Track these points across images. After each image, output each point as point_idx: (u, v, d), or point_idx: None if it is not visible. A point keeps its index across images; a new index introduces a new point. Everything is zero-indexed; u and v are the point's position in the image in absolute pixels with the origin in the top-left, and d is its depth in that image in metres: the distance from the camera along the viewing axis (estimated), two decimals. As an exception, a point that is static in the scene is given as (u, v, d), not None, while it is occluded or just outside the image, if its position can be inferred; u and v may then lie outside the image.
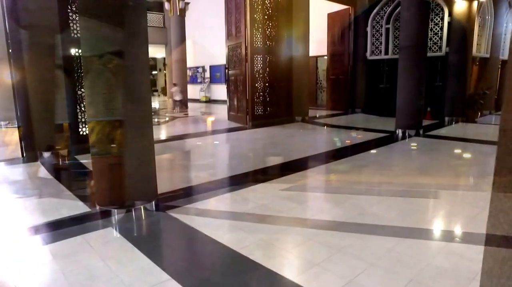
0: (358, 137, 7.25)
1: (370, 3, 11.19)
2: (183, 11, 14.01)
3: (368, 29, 11.17)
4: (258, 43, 8.83)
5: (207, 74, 18.49)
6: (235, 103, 9.45)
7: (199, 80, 18.95)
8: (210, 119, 11.32)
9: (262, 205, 3.46)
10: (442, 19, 9.76)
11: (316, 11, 11.75)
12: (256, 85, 8.87)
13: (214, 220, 3.15)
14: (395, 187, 4.05)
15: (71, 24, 5.49)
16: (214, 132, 8.37)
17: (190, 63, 17.11)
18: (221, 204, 3.61)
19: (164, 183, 4.02)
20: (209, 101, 17.92)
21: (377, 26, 11.04)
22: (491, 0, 10.86)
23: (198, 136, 7.64)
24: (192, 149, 6.45)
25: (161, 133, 8.31)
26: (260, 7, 8.75)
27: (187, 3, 14.04)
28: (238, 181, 4.35)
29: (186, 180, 4.41)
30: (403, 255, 2.48)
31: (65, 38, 5.43)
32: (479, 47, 10.58)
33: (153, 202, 3.34)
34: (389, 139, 7.05)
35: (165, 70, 22.06)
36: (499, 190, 0.81)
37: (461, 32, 9.54)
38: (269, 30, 9.03)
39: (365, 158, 5.47)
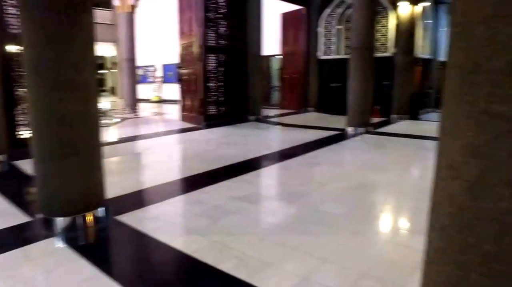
0: (311, 135, 7.41)
1: (322, 4, 11.50)
2: (133, 8, 13.54)
3: (321, 29, 11.47)
4: (212, 41, 8.75)
5: (159, 73, 18.04)
6: (188, 103, 9.30)
7: (150, 80, 18.43)
8: (162, 119, 11.06)
9: (216, 207, 3.42)
10: (389, 21, 10.24)
11: (269, 11, 11.88)
12: (210, 84, 8.79)
13: (167, 224, 3.07)
14: (347, 184, 4.18)
15: (7, 18, 5.10)
16: (167, 133, 8.17)
17: (141, 61, 16.59)
18: (174, 207, 3.52)
19: (114, 187, 3.84)
20: (161, 101, 17.49)
21: (329, 27, 11.36)
22: (432, 6, 11.58)
23: (150, 137, 7.41)
24: (143, 151, 6.26)
25: (111, 135, 7.98)
26: (213, 5, 8.68)
27: (137, 0, 13.59)
28: (191, 183, 4.27)
29: (137, 184, 4.26)
30: (354, 250, 2.55)
31: (1, 33, 5.04)
32: (422, 49, 11.24)
33: (101, 208, 3.18)
34: (341, 136, 7.28)
35: (115, 69, 21.23)
36: (438, 184, 0.84)
37: (406, 34, 10.07)
38: (222, 28, 8.98)
39: (318, 155, 5.60)
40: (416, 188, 4.12)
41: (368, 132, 7.55)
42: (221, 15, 8.90)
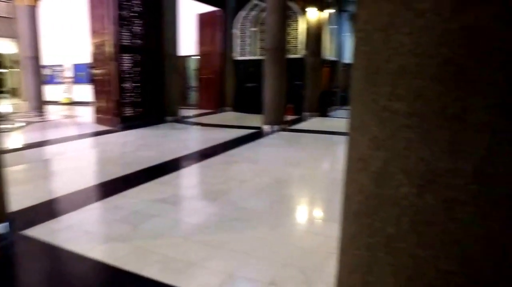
0: (229, 134, 7.46)
1: (237, 6, 11.63)
2: (36, 1, 12.20)
3: (236, 31, 11.60)
4: (126, 41, 8.31)
5: (69, 74, 16.59)
6: (103, 104, 8.71)
7: (59, 80, 16.86)
8: (74, 122, 10.20)
9: (136, 211, 3.26)
10: (299, 25, 10.75)
11: (185, 11, 11.66)
12: (125, 85, 8.34)
13: (82, 233, 2.83)
14: (265, 179, 4.29)
15: None
16: (79, 136, 7.52)
17: (47, 60, 15.06)
18: (90, 215, 3.27)
19: (20, 199, 3.44)
20: (73, 103, 16.11)
21: (244, 29, 11.55)
22: (336, 13, 12.45)
23: (60, 142, 6.76)
24: (53, 157, 5.68)
25: (14, 140, 7.12)
26: (127, 3, 8.24)
27: (40, -8, 12.27)
28: (108, 188, 4.01)
29: (47, 193, 3.85)
30: (275, 242, 2.64)
31: None
32: (329, 52, 12.03)
33: (3, 224, 2.81)
34: (258, 134, 7.46)
35: (16, 68, 18.96)
36: (349, 176, 0.90)
37: (315, 38, 10.68)
38: (137, 28, 8.57)
39: (237, 154, 5.67)
40: (329, 180, 4.40)
41: (283, 130, 7.85)
42: (136, 14, 8.49)
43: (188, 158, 5.47)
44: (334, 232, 2.77)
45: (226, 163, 5.06)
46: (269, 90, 7.89)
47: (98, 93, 8.91)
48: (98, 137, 7.37)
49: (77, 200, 3.59)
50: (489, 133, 0.69)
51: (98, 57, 8.67)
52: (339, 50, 13.30)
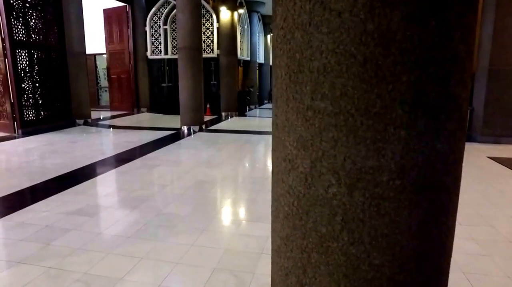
0: (146, 136, 7.11)
1: (147, 3, 11.10)
2: None
3: (147, 28, 11.08)
4: (21, 35, 7.36)
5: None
6: (-5, 107, 7.63)
7: None
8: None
9: (47, 227, 2.91)
10: (212, 24, 10.67)
11: (90, 6, 10.79)
12: (24, 85, 7.41)
13: (-23, 257, 2.43)
14: (187, 182, 4.17)
15: None
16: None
17: None
18: (-14, 234, 2.82)
19: None
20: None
21: (156, 26, 11.08)
22: (246, 13, 12.63)
23: None
24: None
25: None
26: (18, -8, 7.29)
27: None
28: (10, 203, 3.50)
29: None
30: (203, 247, 2.56)
31: None
32: (241, 51, 12.16)
33: None
34: (176, 136, 7.23)
35: None
36: (277, 177, 0.88)
37: (228, 37, 10.70)
38: (34, 21, 7.65)
39: (156, 157, 5.41)
40: (251, 179, 4.42)
41: (201, 130, 7.73)
42: (30, 5, 7.56)
43: (103, 164, 5.05)
44: (261, 232, 2.80)
45: (145, 167, 4.79)
46: (185, 90, 7.68)
47: (-13, 95, 7.76)
48: (-9, 145, 6.42)
49: (-34, 220, 3.07)
50: (405, 129, 0.72)
51: (-17, 53, 7.54)
52: (253, 50, 13.54)
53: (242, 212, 3.33)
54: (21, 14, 7.35)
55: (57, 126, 7.89)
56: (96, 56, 12.60)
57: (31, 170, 4.68)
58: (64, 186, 3.98)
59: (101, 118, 9.90)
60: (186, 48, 7.64)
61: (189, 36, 7.64)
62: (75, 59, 8.49)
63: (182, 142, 6.64)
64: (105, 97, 12.89)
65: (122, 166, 4.86)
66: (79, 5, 8.62)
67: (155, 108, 11.25)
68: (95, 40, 11.81)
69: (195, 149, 6.05)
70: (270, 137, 7.38)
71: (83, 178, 4.42)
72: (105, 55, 12.03)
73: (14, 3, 7.20)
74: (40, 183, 4.10)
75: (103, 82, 12.92)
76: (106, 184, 4.12)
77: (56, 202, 3.48)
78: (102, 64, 12.74)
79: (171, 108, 10.73)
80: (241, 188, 4.04)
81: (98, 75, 12.96)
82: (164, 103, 11.05)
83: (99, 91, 13.07)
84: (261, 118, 10.87)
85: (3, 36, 7.03)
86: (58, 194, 3.71)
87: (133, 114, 10.94)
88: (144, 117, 10.39)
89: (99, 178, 4.36)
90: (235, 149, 6.27)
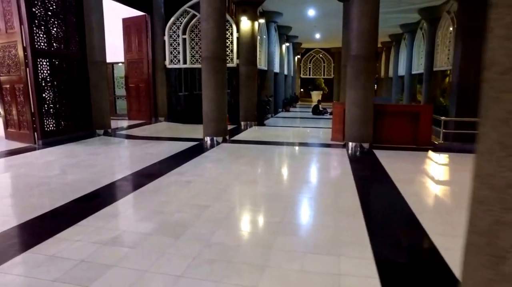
0: (168, 148, 6.67)
1: (166, 12, 10.76)
2: None
3: (166, 38, 10.71)
4: (42, 44, 6.98)
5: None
6: (15, 117, 7.23)
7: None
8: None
9: (83, 262, 2.47)
10: (232, 34, 10.29)
11: (109, 15, 10.44)
12: (44, 95, 7.01)
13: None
14: (228, 204, 3.72)
15: None
16: (-15, 156, 6.07)
17: None
18: (16, 275, 2.35)
19: None
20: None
21: (174, 36, 10.72)
22: (264, 23, 12.28)
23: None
24: None
25: None
26: None
27: None
28: (36, 230, 3.07)
29: None
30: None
31: None
32: (259, 61, 11.77)
33: None
34: (200, 147, 6.80)
35: None
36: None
37: (248, 47, 10.32)
38: (55, 30, 7.28)
39: (184, 172, 4.96)
40: (298, 199, 3.96)
41: (225, 141, 7.29)
42: (52, 13, 7.19)
43: (130, 180, 4.61)
44: (329, 267, 2.30)
45: (177, 184, 4.34)
46: (208, 100, 7.26)
47: (7, 103, 7.38)
48: (13, 157, 5.97)
49: (-8, 252, 2.63)
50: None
51: (4, 61, 7.17)
52: (270, 60, 13.16)
53: (300, 242, 2.86)
54: (43, 23, 6.99)
55: (77, 137, 7.49)
56: (114, 65, 12.23)
57: (55, 187, 4.25)
58: (93, 207, 3.55)
59: (120, 127, 9.48)
60: (209, 57, 7.23)
61: (213, 45, 7.24)
62: (96, 68, 8.11)
63: (208, 154, 6.19)
64: (121, 106, 12.50)
65: (152, 183, 4.40)
66: (100, 14, 8.26)
67: (172, 117, 10.85)
68: (112, 49, 11.46)
69: (224, 163, 5.60)
70: (300, 148, 7.01)
71: (112, 197, 3.99)
72: (121, 64, 11.66)
73: (37, 12, 6.83)
74: (66, 203, 3.67)
75: (120, 90, 12.54)
76: (138, 205, 3.67)
77: (88, 228, 3.03)
78: (119, 72, 12.37)
79: (189, 117, 10.33)
80: (290, 209, 3.58)
81: (115, 83, 12.59)
82: (182, 112, 10.66)
83: (116, 100, 12.70)
84: (282, 128, 10.40)
85: (24, 45, 6.66)
86: (88, 217, 3.27)
87: (151, 123, 10.51)
88: (163, 127, 9.96)
89: (129, 197, 3.91)
90: (267, 163, 5.83)
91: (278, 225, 3.19)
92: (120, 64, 11.93)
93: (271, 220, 3.31)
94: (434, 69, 14.04)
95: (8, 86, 7.23)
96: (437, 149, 6.67)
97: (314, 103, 21.55)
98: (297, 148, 7.08)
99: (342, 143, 7.12)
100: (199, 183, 4.41)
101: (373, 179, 4.92)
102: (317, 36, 19.90)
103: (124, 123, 10.47)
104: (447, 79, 16.20)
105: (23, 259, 2.53)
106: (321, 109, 15.09)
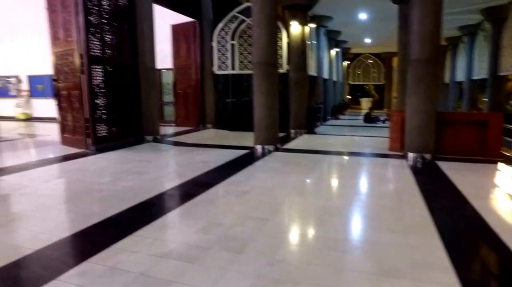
0: (219, 156, 6.59)
1: (215, 18, 10.89)
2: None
3: (214, 43, 10.82)
4: (96, 51, 7.25)
5: (25, 86, 14.92)
6: (70, 123, 7.54)
7: (12, 93, 15.11)
8: (36, 143, 8.86)
9: (142, 275, 2.36)
10: (282, 39, 10.16)
11: (158, 22, 10.74)
12: (97, 101, 7.25)
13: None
14: (289, 217, 3.52)
15: None
16: (44, 162, 6.28)
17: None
18: (79, 281, 2.29)
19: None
20: (30, 119, 14.45)
21: (223, 42, 10.79)
22: (314, 28, 12.06)
23: (20, 170, 5.56)
24: (12, 192, 4.42)
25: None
26: (96, 8, 7.21)
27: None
28: (93, 239, 3.04)
29: (8, 251, 2.79)
30: None
31: None
32: (309, 67, 11.54)
33: None
34: (251, 156, 6.66)
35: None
36: None
37: (298, 53, 10.14)
38: (109, 37, 7.54)
39: (239, 182, 4.81)
40: (362, 212, 3.66)
41: (276, 149, 7.10)
42: (106, 21, 7.46)
43: (183, 189, 4.55)
44: None
45: (232, 195, 4.20)
46: (260, 107, 7.12)
47: (64, 109, 7.72)
48: (68, 162, 6.18)
49: (52, 262, 2.61)
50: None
51: (62, 68, 7.52)
52: (318, 65, 12.89)
53: (371, 262, 2.57)
54: (98, 31, 7.26)
55: (127, 143, 7.66)
56: (162, 71, 12.56)
57: (108, 195, 4.27)
58: (148, 217, 3.48)
59: (168, 134, 9.61)
60: (261, 63, 7.12)
61: (265, 50, 7.12)
62: (146, 74, 8.30)
63: (260, 163, 6.03)
64: (168, 112, 12.78)
65: (206, 192, 4.30)
66: (151, 21, 8.47)
67: (220, 124, 10.88)
68: (160, 55, 11.76)
69: (279, 173, 5.40)
70: (356, 158, 6.65)
71: (167, 207, 3.93)
72: (167, 70, 11.93)
73: (92, 20, 7.11)
74: (121, 212, 3.63)
75: (167, 97, 12.84)
76: (194, 216, 3.56)
77: (145, 239, 2.95)
78: (167, 78, 12.68)
79: (236, 124, 10.30)
80: (354, 225, 3.30)
81: (163, 89, 12.91)
82: (230, 119, 10.66)
83: (163, 106, 13.01)
84: (334, 136, 10.05)
85: (81, 53, 6.93)
86: (144, 228, 3.19)
87: (198, 130, 10.59)
88: (211, 134, 10.00)
89: (184, 207, 3.81)
90: (323, 173, 5.57)
91: (344, 243, 2.93)
92: (167, 70, 12.21)
93: (336, 236, 3.05)
94: (499, 73, 13.04)
95: (65, 92, 7.57)
96: (509, 161, 6.06)
97: (363, 111, 20.89)
98: (352, 158, 6.73)
99: (401, 153, 6.68)
100: (255, 194, 4.24)
101: (442, 193, 4.49)
102: (368, 40, 19.33)
103: (172, 129, 10.63)
104: (508, 83, 15.01)
105: (83, 269, 2.47)
106: (373, 116, 14.52)
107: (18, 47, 14.21)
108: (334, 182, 5.14)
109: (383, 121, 14.48)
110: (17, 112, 14.56)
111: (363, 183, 5.07)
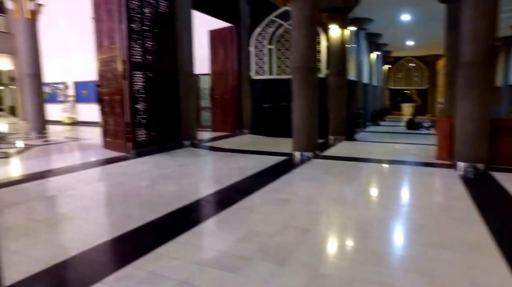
0: (256, 162, 6.56)
1: (252, 23, 10.95)
2: (34, 14, 11.41)
3: (251, 48, 10.87)
4: (138, 57, 7.49)
5: (71, 92, 15.77)
6: (112, 127, 7.83)
7: (61, 99, 16.01)
8: (80, 146, 9.28)
9: (183, 283, 2.35)
10: (320, 43, 10.03)
11: (196, 27, 10.97)
12: (138, 106, 7.48)
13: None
14: (333, 228, 3.41)
15: None
16: (88, 165, 6.56)
17: (48, 78, 14.21)
18: (122, 285, 2.34)
19: (19, 262, 2.55)
20: (76, 123, 15.22)
21: (260, 46, 10.82)
22: (354, 31, 11.82)
23: (65, 172, 5.82)
24: (57, 194, 4.66)
25: (12, 169, 6.21)
26: (138, 15, 7.46)
27: (40, 4, 11.47)
28: (133, 243, 3.08)
29: (52, 253, 2.89)
30: None
31: None
32: (349, 71, 11.30)
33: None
34: (289, 163, 6.57)
35: (13, 85, 18.15)
36: None
37: (337, 57, 9.96)
38: (149, 43, 7.77)
39: (278, 189, 4.75)
40: (408, 225, 3.48)
41: (316, 157, 6.97)
42: (147, 28, 7.70)
43: (221, 195, 4.55)
44: None
45: (272, 203, 4.14)
46: (299, 113, 7.03)
47: (106, 114, 8.05)
48: (109, 165, 6.41)
49: (95, 265, 2.67)
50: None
51: (106, 74, 7.85)
52: (358, 70, 12.61)
53: (429, 283, 2.42)
54: (140, 37, 7.50)
55: (166, 147, 7.82)
56: (199, 76, 12.77)
57: (148, 199, 4.35)
58: (187, 222, 3.50)
59: (205, 139, 9.73)
60: (301, 67, 7.04)
61: (304, 54, 7.04)
62: (185, 79, 8.47)
63: (300, 171, 5.93)
64: (204, 117, 12.95)
65: (245, 199, 4.27)
66: (190, 27, 8.64)
67: (256, 130, 10.88)
68: (197, 60, 11.98)
69: (319, 181, 5.28)
70: (400, 166, 6.35)
71: (207, 213, 3.95)
72: (207, 76, 12.11)
73: (134, 27, 7.36)
74: (161, 217, 3.67)
75: (204, 102, 13.03)
76: (233, 224, 3.53)
77: (185, 246, 2.95)
78: (204, 84, 12.88)
79: (273, 130, 10.25)
80: (403, 239, 3.13)
81: (200, 94, 13.13)
82: (267, 125, 10.64)
83: (200, 111, 13.22)
84: (375, 143, 9.74)
85: (124, 59, 7.18)
86: (184, 234, 3.20)
87: (235, 135, 10.66)
88: (248, 139, 10.02)
89: (224, 214, 3.80)
90: (366, 182, 5.39)
91: (390, 257, 2.78)
92: (204, 75, 12.40)
93: (381, 250, 2.90)
94: None
95: (107, 97, 7.88)
96: None
97: (405, 117, 20.19)
98: (396, 166, 6.47)
99: (449, 162, 6.33)
100: (295, 203, 4.16)
101: (500, 206, 4.18)
102: (410, 43, 18.69)
103: (209, 134, 10.76)
104: None
105: (125, 273, 2.50)
106: (416, 122, 13.97)
107: (66, 56, 15.04)
108: (377, 192, 4.94)
109: (428, 128, 13.88)
110: (63, 117, 15.39)
111: (409, 194, 4.84)
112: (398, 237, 3.30)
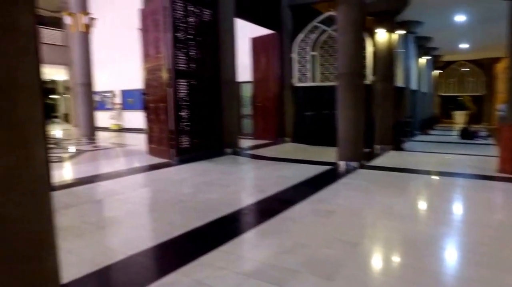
0: (299, 171, 6.48)
1: (295, 29, 10.93)
2: (88, 27, 12.17)
3: (294, 55, 10.85)
4: (182, 65, 7.70)
5: (118, 100, 16.58)
6: (156, 134, 8.08)
7: (109, 107, 16.88)
8: (126, 152, 9.69)
9: (229, 296, 2.34)
10: (365, 48, 9.80)
11: (238, 35, 11.14)
12: (181, 113, 7.68)
13: None
14: (383, 242, 3.26)
15: None
16: (133, 170, 6.82)
17: (97, 87, 15.04)
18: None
19: (73, 263, 2.66)
20: (122, 129, 15.95)
21: (303, 53, 10.77)
22: (402, 35, 11.44)
23: (113, 177, 6.08)
24: (106, 198, 4.89)
25: (64, 172, 6.58)
26: (183, 25, 7.70)
27: (93, 19, 12.24)
28: (178, 250, 3.12)
29: (104, 254, 3.01)
30: None
31: None
32: (396, 77, 10.93)
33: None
34: (334, 172, 6.42)
35: (67, 94, 19.42)
36: None
37: (384, 62, 9.68)
38: (193, 51, 7.98)
39: (323, 200, 4.64)
40: (466, 244, 3.25)
41: (362, 166, 6.77)
42: (192, 37, 7.91)
43: (265, 205, 4.52)
44: None
45: (318, 214, 4.04)
46: (345, 121, 6.88)
47: (151, 121, 8.32)
48: (153, 172, 6.61)
49: (141, 270, 2.74)
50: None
51: (151, 83, 8.14)
52: (406, 76, 12.17)
53: None
54: (184, 46, 7.72)
55: (208, 155, 7.94)
56: (241, 84, 12.92)
57: (191, 206, 4.41)
58: (231, 231, 3.50)
59: (247, 147, 9.79)
60: (347, 73, 6.91)
61: (351, 60, 6.91)
62: (228, 87, 8.59)
63: (346, 181, 5.77)
64: (247, 125, 13.04)
65: (289, 209, 4.20)
66: (232, 35, 8.77)
67: (298, 138, 10.78)
68: (239, 68, 12.12)
69: (366, 192, 5.10)
70: (454, 179, 5.93)
71: (250, 222, 3.93)
72: (249, 83, 12.22)
73: (179, 36, 7.58)
74: (204, 224, 3.70)
75: (245, 109, 13.14)
76: (278, 234, 3.48)
77: (230, 255, 2.95)
78: (246, 91, 13.00)
79: (316, 138, 10.11)
80: (461, 258, 2.91)
81: (241, 102, 13.27)
82: (309, 133, 10.51)
83: (241, 118, 13.35)
84: (425, 154, 9.29)
85: (170, 67, 7.42)
86: (229, 243, 3.19)
87: (276, 143, 10.62)
88: (290, 148, 9.95)
89: (268, 224, 3.75)
90: (417, 195, 5.14)
91: (445, 278, 2.60)
92: (245, 83, 12.52)
93: (437, 269, 2.73)
94: None
95: (152, 105, 8.16)
96: None
97: (457, 125, 19.19)
98: (450, 179, 6.11)
99: (512, 175, 5.89)
100: (342, 215, 4.03)
101: None
102: (464, 46, 17.75)
103: (250, 142, 10.82)
104: None
105: (171, 280, 2.53)
106: (471, 131, 13.18)
107: (114, 66, 15.86)
108: (430, 206, 4.68)
109: (485, 137, 13.06)
110: (110, 123, 16.20)
111: (466, 209, 4.55)
112: (453, 255, 3.09)
